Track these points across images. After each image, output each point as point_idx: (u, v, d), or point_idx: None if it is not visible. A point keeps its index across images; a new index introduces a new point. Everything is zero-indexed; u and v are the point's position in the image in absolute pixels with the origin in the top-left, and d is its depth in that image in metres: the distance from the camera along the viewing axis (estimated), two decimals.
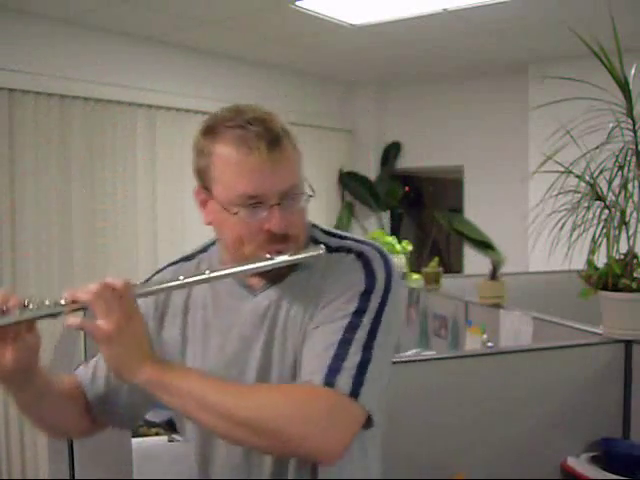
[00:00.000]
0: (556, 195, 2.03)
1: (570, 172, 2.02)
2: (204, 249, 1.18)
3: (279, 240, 1.01)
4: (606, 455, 1.80)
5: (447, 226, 5.36)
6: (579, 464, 1.79)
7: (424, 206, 6.93)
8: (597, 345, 1.95)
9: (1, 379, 0.96)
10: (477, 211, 5.36)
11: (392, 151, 5.84)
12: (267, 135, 0.98)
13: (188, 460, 1.15)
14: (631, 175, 1.95)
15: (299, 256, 1.00)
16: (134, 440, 1.59)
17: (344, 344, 0.97)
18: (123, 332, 0.92)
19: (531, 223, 2.14)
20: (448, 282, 3.22)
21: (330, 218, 5.60)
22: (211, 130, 1.02)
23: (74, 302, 0.92)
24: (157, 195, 4.30)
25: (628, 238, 1.94)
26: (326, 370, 0.95)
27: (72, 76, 3.79)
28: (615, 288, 1.92)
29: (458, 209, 5.70)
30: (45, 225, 3.71)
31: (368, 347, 0.98)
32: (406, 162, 5.86)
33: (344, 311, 1.00)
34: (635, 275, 1.93)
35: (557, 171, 2.04)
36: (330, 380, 0.94)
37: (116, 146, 4.06)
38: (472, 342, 2.63)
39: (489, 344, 2.51)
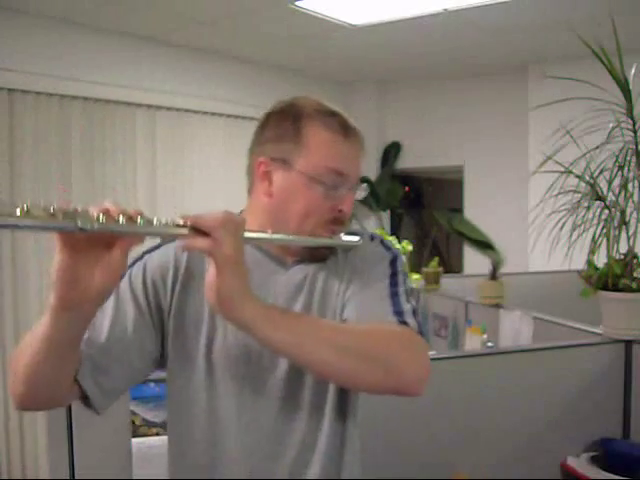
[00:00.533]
0: (556, 195, 2.03)
1: (570, 172, 2.03)
2: None
3: (340, 222, 1.11)
4: (606, 455, 1.80)
5: (447, 226, 5.35)
6: (579, 464, 1.79)
7: (424, 206, 6.93)
8: (597, 345, 1.95)
9: (72, 304, 0.87)
10: (477, 211, 5.35)
11: (392, 151, 5.84)
12: (355, 128, 1.14)
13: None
14: (631, 175, 1.95)
15: (351, 240, 1.12)
16: (134, 440, 1.59)
17: (394, 296, 1.08)
18: (240, 262, 0.92)
19: (531, 223, 2.15)
20: (448, 282, 3.22)
21: None
22: (301, 112, 1.12)
23: (194, 227, 0.90)
24: (157, 195, 4.31)
25: (628, 238, 1.94)
26: (393, 311, 1.05)
27: (72, 76, 3.79)
28: (615, 288, 1.92)
29: (458, 209, 5.70)
30: None
31: (409, 298, 1.10)
32: (406, 162, 5.86)
33: (382, 275, 1.11)
34: (635, 275, 1.93)
35: (557, 171, 2.04)
36: (403, 319, 1.04)
37: (116, 146, 4.06)
38: (472, 342, 2.63)
39: (489, 344, 2.51)
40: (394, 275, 1.12)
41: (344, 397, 1.12)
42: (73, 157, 3.84)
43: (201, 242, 0.89)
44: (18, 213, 0.82)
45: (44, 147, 3.70)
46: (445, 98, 5.60)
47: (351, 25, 3.93)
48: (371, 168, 5.80)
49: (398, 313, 1.05)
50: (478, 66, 5.09)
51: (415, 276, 3.38)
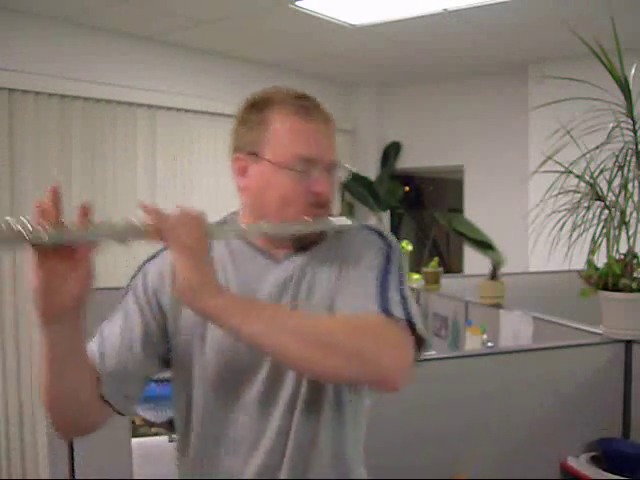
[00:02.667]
0: (556, 195, 2.03)
1: (570, 172, 2.03)
2: (223, 220, 1.19)
3: (320, 205, 1.10)
4: (606, 455, 1.80)
5: (447, 226, 5.36)
6: (579, 464, 1.79)
7: (424, 206, 6.92)
8: (597, 345, 1.95)
9: (54, 316, 0.91)
10: (477, 211, 5.35)
11: (392, 151, 5.84)
12: (321, 109, 1.13)
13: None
14: (631, 175, 1.95)
15: (343, 223, 1.10)
16: (134, 440, 1.59)
17: (383, 285, 1.04)
18: (199, 254, 0.93)
19: (531, 223, 2.15)
20: (448, 282, 3.22)
21: None
22: (265, 101, 1.12)
23: (151, 225, 0.92)
24: (157, 195, 4.31)
25: (628, 238, 1.94)
26: (379, 301, 1.01)
27: (72, 76, 3.79)
28: (615, 288, 1.92)
29: (458, 209, 5.70)
30: None
31: (403, 291, 1.06)
32: (406, 162, 5.86)
33: (373, 264, 1.08)
34: (635, 275, 1.93)
35: (557, 171, 2.04)
36: (388, 309, 1.00)
37: (116, 146, 4.06)
38: (472, 342, 2.63)
39: (489, 344, 2.51)
40: (387, 263, 1.09)
41: (317, 389, 1.08)
42: (73, 157, 3.84)
43: (157, 239, 0.92)
44: None
45: (44, 147, 3.70)
46: (445, 98, 5.60)
47: (351, 25, 3.93)
48: (371, 168, 5.81)
49: (383, 303, 1.01)
50: (478, 66, 5.09)
51: (415, 276, 3.38)
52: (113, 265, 4.02)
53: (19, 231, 0.83)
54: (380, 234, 1.16)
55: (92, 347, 1.09)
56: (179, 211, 0.94)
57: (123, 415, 1.09)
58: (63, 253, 0.89)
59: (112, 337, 1.09)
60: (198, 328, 1.10)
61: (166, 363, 1.15)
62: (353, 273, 1.08)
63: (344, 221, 1.11)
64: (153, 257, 1.17)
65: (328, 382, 1.07)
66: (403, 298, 1.03)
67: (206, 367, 1.10)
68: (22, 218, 0.84)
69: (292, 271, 1.11)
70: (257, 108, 1.13)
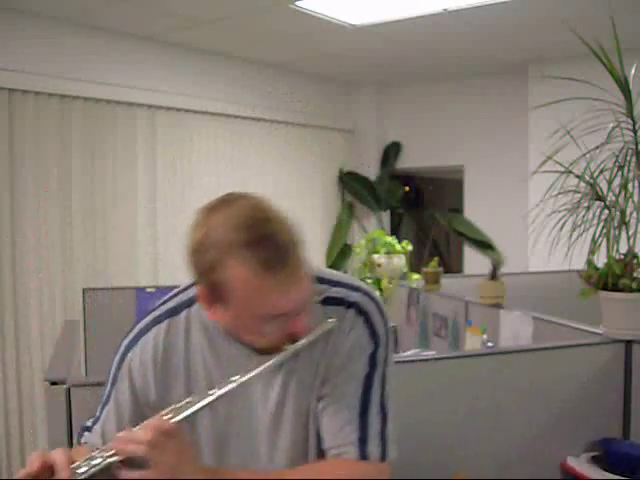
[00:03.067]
0: (556, 195, 2.03)
1: (570, 172, 2.02)
2: (189, 302, 1.14)
3: (293, 339, 1.04)
4: (606, 455, 1.79)
5: (447, 226, 5.37)
6: (579, 464, 1.79)
7: (424, 206, 6.92)
8: (597, 345, 1.95)
9: None
10: (477, 211, 5.36)
11: (392, 151, 5.84)
12: (280, 254, 0.96)
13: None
14: (631, 175, 1.95)
15: (313, 336, 1.05)
16: None
17: (364, 404, 1.08)
18: (179, 467, 0.95)
19: (531, 223, 2.15)
20: (448, 282, 3.22)
21: (330, 218, 5.60)
22: (219, 243, 0.97)
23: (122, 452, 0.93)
24: (157, 195, 4.31)
25: (628, 238, 1.94)
26: (357, 444, 1.06)
27: (72, 76, 3.79)
28: (615, 288, 1.92)
29: (458, 209, 5.70)
30: (45, 225, 3.71)
31: (384, 403, 1.10)
32: (406, 162, 5.86)
33: (357, 376, 1.09)
34: (635, 275, 1.93)
35: (557, 171, 2.04)
36: (364, 453, 1.06)
37: (116, 146, 4.06)
38: (472, 342, 2.63)
39: (489, 344, 2.51)
40: (370, 375, 1.09)
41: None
42: (73, 157, 3.84)
43: (138, 472, 0.93)
44: None
45: (44, 147, 3.70)
46: (445, 98, 5.60)
47: (351, 25, 3.94)
48: (371, 168, 5.81)
49: (362, 441, 1.06)
50: (478, 66, 5.09)
51: (415, 276, 3.38)
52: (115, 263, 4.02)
53: None
54: (370, 325, 1.11)
55: (90, 440, 1.13)
56: (151, 433, 0.93)
57: None
58: None
59: (108, 417, 1.12)
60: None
61: None
62: (336, 388, 1.09)
63: (327, 324, 1.07)
64: (134, 341, 1.15)
65: None
66: (382, 423, 1.08)
67: (200, 449, 1.12)
68: None
69: (279, 367, 1.08)
70: (212, 243, 0.97)
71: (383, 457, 1.07)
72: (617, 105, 1.95)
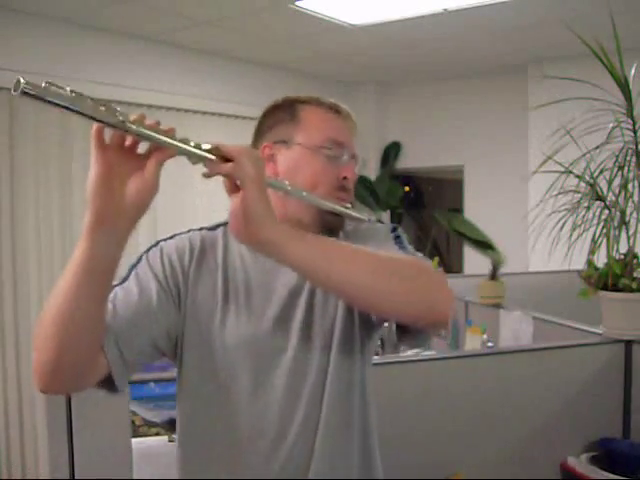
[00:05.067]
0: (556, 195, 2.03)
1: (570, 172, 2.03)
2: (224, 223, 1.17)
3: (346, 190, 1.17)
4: (606, 455, 1.80)
5: (447, 226, 5.36)
6: (579, 464, 1.79)
7: (424, 206, 6.92)
8: (597, 345, 1.95)
9: (105, 219, 0.88)
10: (477, 211, 5.35)
11: (392, 151, 5.84)
12: (342, 108, 1.23)
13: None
14: (631, 175, 1.95)
15: (356, 214, 1.15)
16: (134, 440, 1.59)
17: (404, 250, 1.13)
18: (263, 186, 0.92)
19: (531, 223, 2.15)
20: (448, 282, 3.21)
21: None
22: (295, 100, 1.22)
23: (218, 154, 0.93)
24: (157, 195, 4.30)
25: (628, 238, 1.94)
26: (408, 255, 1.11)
27: (72, 76, 3.79)
28: (615, 288, 1.92)
29: (458, 209, 5.70)
30: (46, 225, 3.71)
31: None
32: (406, 162, 5.86)
33: (386, 240, 1.15)
34: (635, 275, 1.93)
35: (557, 171, 2.04)
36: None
37: None
38: (472, 342, 2.63)
39: (489, 344, 2.51)
40: (398, 237, 1.17)
41: (347, 373, 1.09)
42: (74, 157, 3.84)
43: (226, 166, 0.92)
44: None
45: (44, 147, 3.70)
46: (445, 98, 5.60)
47: (351, 25, 3.93)
48: (371, 168, 5.80)
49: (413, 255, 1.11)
50: (478, 66, 5.09)
51: None
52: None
53: (102, 110, 0.83)
54: (378, 220, 1.25)
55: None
56: (240, 146, 0.94)
57: (111, 390, 1.01)
58: (135, 154, 0.89)
59: (127, 295, 1.04)
60: (217, 313, 1.08)
61: (173, 342, 1.09)
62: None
63: (360, 214, 1.17)
64: (170, 238, 1.15)
65: (388, 316, 1.11)
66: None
67: (226, 354, 1.07)
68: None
69: None
70: (286, 105, 1.21)
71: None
72: (617, 105, 1.96)
